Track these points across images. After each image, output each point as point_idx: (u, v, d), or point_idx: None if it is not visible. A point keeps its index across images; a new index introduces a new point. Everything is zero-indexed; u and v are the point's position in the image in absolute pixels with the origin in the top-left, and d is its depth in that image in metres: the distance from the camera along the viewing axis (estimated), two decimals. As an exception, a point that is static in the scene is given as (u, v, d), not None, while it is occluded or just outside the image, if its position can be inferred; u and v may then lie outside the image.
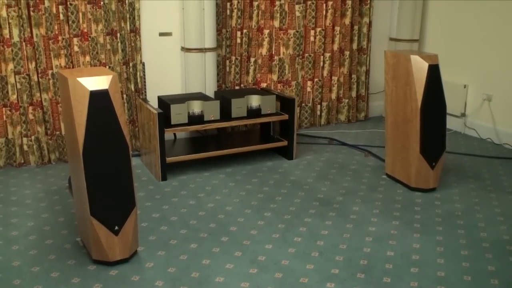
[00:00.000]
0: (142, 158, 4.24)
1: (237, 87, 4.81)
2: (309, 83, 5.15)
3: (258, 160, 4.31)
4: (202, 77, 4.40)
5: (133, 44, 4.27)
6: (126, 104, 4.30)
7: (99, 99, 2.47)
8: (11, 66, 3.85)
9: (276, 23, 4.83)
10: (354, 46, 5.28)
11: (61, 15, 3.92)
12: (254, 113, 4.13)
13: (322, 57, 5.11)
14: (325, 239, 2.97)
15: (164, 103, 3.93)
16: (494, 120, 4.84)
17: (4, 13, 3.74)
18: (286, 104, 4.23)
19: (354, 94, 5.42)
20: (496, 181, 3.88)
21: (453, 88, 5.01)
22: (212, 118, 3.98)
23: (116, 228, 2.61)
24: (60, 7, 3.90)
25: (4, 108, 3.95)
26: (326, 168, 4.15)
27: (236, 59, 4.75)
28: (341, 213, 3.33)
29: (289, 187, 3.74)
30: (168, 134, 3.99)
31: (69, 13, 3.94)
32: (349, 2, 5.06)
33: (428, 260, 2.75)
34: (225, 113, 4.07)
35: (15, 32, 3.80)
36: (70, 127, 2.55)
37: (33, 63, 3.91)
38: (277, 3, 4.75)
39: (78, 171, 2.57)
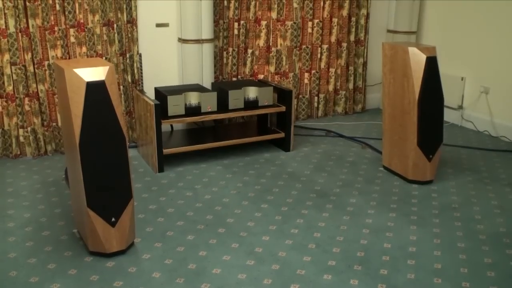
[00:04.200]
0: (139, 150, 4.23)
1: (234, 79, 4.79)
2: (306, 74, 5.13)
3: (255, 151, 4.30)
4: (199, 68, 4.38)
5: (129, 35, 4.24)
6: (122, 96, 4.28)
7: (95, 90, 2.46)
8: (7, 56, 3.83)
9: (274, 15, 4.80)
10: (352, 38, 5.26)
11: (57, 6, 3.89)
12: (251, 104, 4.12)
13: (319, 48, 5.10)
14: (322, 231, 2.98)
15: (161, 94, 3.91)
16: (491, 113, 4.84)
17: (-1, 3, 3.72)
18: (283, 95, 4.22)
19: (351, 86, 5.41)
20: (493, 173, 3.89)
21: (451, 81, 5.00)
22: (209, 110, 3.97)
23: (113, 219, 2.60)
24: (56, -3, 3.88)
25: (0, 99, 3.93)
26: (323, 160, 4.15)
27: (233, 50, 4.73)
28: (338, 205, 3.33)
29: (286, 179, 3.74)
30: (165, 126, 3.98)
31: (66, 4, 3.91)
32: (347, -6, 5.05)
33: (425, 252, 2.76)
34: (222, 105, 4.06)
35: (11, 22, 3.77)
36: (67, 119, 2.54)
37: (29, 54, 3.88)
38: (275, -6, 4.74)
39: (74, 163, 2.56)
